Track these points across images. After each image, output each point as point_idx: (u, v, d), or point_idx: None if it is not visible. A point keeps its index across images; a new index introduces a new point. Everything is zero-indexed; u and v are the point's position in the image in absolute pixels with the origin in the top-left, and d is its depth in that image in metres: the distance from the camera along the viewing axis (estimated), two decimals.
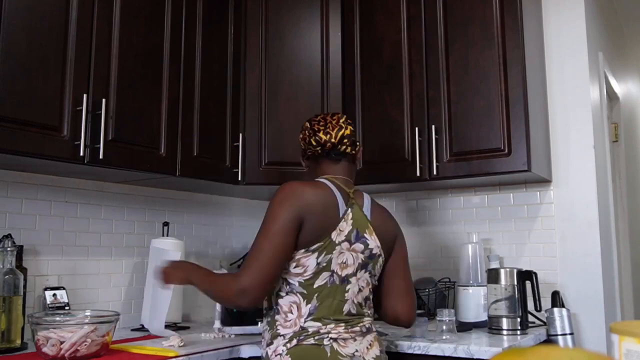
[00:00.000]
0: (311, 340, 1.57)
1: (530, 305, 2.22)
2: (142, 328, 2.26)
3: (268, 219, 1.61)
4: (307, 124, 1.82)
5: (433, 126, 2.42)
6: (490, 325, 2.18)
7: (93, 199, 2.32)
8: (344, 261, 1.65)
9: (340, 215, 1.66)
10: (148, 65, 2.14)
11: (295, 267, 1.61)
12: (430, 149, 2.42)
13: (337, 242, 1.64)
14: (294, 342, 1.58)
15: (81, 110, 1.86)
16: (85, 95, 1.88)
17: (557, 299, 2.34)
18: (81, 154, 1.85)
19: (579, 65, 2.57)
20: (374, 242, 1.72)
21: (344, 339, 1.61)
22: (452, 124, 2.40)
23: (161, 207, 2.60)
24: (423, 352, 1.93)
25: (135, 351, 1.75)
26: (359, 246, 1.69)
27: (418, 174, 2.43)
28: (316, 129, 1.77)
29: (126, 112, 2.04)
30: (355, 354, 1.61)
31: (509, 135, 2.27)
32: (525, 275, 2.21)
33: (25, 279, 1.87)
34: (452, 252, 2.71)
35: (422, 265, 2.79)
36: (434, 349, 1.92)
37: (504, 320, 2.15)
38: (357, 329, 1.66)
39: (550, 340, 2.26)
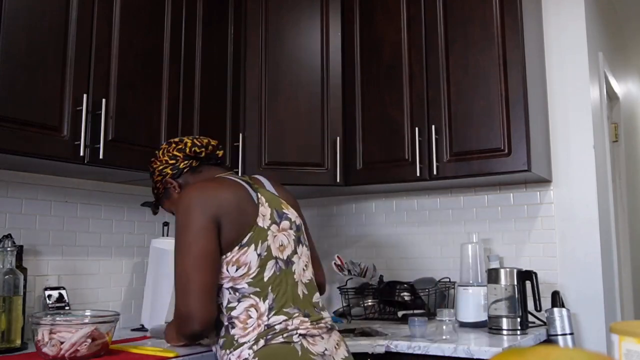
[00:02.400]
0: (280, 339, 1.46)
1: (530, 305, 2.22)
2: (142, 328, 2.25)
3: (179, 231, 1.48)
4: (164, 146, 1.73)
5: (433, 126, 2.42)
6: (490, 325, 2.18)
7: (93, 199, 2.32)
8: (280, 244, 1.57)
9: (256, 202, 1.57)
10: (148, 65, 2.14)
11: (237, 270, 1.50)
12: (430, 149, 2.42)
13: (265, 227, 1.55)
14: (261, 342, 1.46)
15: (81, 110, 1.86)
16: (85, 95, 1.88)
17: (557, 299, 2.34)
18: (81, 154, 1.85)
19: (579, 65, 2.57)
20: (292, 214, 1.65)
21: (312, 336, 1.51)
22: (452, 124, 2.40)
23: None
24: (423, 352, 1.94)
25: (135, 351, 1.75)
26: (285, 223, 1.61)
27: (418, 174, 2.43)
28: (185, 141, 1.70)
29: (126, 112, 2.04)
30: (325, 352, 1.51)
31: (509, 135, 2.28)
32: (525, 275, 2.21)
33: (25, 279, 1.87)
34: (452, 252, 2.71)
35: (422, 265, 2.79)
36: (434, 349, 1.92)
37: (504, 320, 2.15)
38: (322, 324, 1.57)
39: (550, 340, 2.26)
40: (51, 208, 2.18)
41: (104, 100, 1.94)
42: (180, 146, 1.70)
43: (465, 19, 2.42)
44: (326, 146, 2.62)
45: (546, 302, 2.37)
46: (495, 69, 2.33)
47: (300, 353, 1.46)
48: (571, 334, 2.26)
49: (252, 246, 1.52)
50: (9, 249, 1.78)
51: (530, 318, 2.31)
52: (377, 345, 2.02)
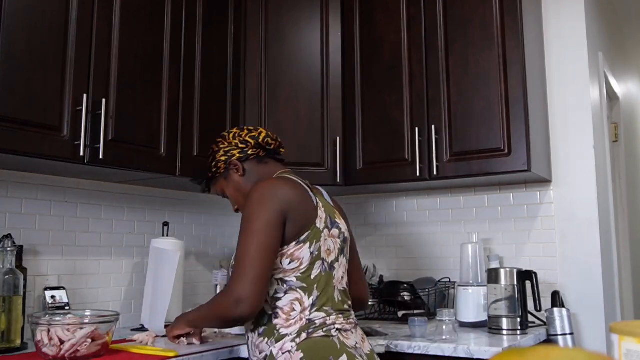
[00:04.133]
0: (320, 332, 1.55)
1: (530, 305, 2.22)
2: (142, 328, 2.25)
3: (249, 219, 1.57)
4: (237, 130, 1.84)
5: (433, 126, 2.42)
6: (490, 325, 2.18)
7: (93, 199, 2.32)
8: (328, 248, 1.66)
9: (315, 204, 1.66)
10: (148, 65, 2.14)
11: (290, 263, 1.58)
12: (430, 149, 2.42)
13: (321, 229, 1.64)
14: (303, 336, 1.54)
15: (81, 110, 1.86)
16: (85, 95, 1.88)
17: (557, 299, 2.34)
18: (81, 154, 1.85)
19: (579, 65, 2.57)
20: (343, 225, 1.76)
21: (346, 331, 1.61)
22: (452, 124, 2.40)
23: (161, 207, 2.60)
24: (423, 352, 1.94)
25: (135, 351, 1.75)
26: (335, 231, 1.70)
27: (418, 174, 2.43)
28: (251, 129, 1.83)
29: (126, 112, 2.04)
30: (357, 345, 1.61)
31: (509, 135, 2.28)
32: (525, 275, 2.21)
33: (25, 279, 1.87)
34: (452, 252, 2.71)
35: (422, 265, 2.79)
36: (434, 349, 1.92)
37: (504, 320, 2.15)
38: (351, 320, 1.67)
39: (550, 340, 2.26)
40: (51, 208, 2.18)
41: (104, 100, 1.94)
42: (254, 134, 1.81)
43: (465, 19, 2.42)
44: (326, 146, 2.62)
45: (546, 302, 2.37)
46: (495, 69, 2.33)
47: (339, 346, 1.55)
48: (571, 334, 2.26)
49: (308, 244, 1.60)
50: (9, 249, 1.78)
51: (530, 318, 2.31)
52: (377, 345, 2.01)
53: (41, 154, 1.77)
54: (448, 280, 2.63)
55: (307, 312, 1.58)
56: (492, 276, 2.22)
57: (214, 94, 2.43)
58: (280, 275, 1.59)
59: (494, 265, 2.39)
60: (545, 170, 2.47)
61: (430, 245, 2.80)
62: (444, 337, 1.98)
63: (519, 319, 2.15)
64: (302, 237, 1.60)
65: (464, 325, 2.31)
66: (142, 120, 2.10)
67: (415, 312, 2.46)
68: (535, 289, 2.21)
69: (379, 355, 2.00)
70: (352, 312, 1.72)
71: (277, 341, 1.55)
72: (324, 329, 1.56)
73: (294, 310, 1.58)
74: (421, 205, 2.84)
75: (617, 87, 3.57)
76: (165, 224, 2.56)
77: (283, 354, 1.52)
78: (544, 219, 2.54)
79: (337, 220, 1.73)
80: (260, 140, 1.80)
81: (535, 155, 2.31)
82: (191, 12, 2.35)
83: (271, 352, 1.55)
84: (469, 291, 2.33)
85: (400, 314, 2.50)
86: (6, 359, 1.66)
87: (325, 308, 1.60)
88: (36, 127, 1.75)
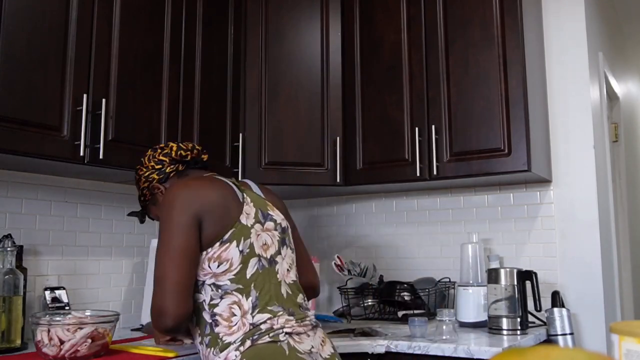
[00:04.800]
0: (266, 338, 1.44)
1: (530, 305, 2.22)
2: (142, 328, 2.25)
3: (161, 226, 1.49)
4: (151, 152, 1.73)
5: (433, 126, 2.42)
6: (490, 325, 2.18)
7: (93, 199, 2.33)
8: (264, 242, 1.56)
9: (241, 200, 1.57)
10: (148, 65, 2.14)
11: (219, 266, 1.48)
12: (430, 149, 2.42)
13: (249, 225, 1.54)
14: (248, 343, 1.43)
15: (81, 110, 1.86)
16: (85, 95, 1.88)
17: (557, 299, 2.34)
18: (81, 154, 1.85)
19: (579, 65, 2.57)
20: (279, 215, 1.65)
21: (299, 334, 1.49)
22: (452, 124, 2.40)
23: None
24: (423, 352, 1.94)
25: (135, 351, 1.75)
26: (270, 224, 1.61)
27: (418, 174, 2.43)
28: (171, 146, 1.72)
29: (126, 112, 2.04)
30: (312, 350, 1.50)
31: (509, 135, 2.28)
32: (525, 275, 2.21)
33: (25, 279, 1.87)
34: (452, 252, 2.71)
35: (422, 265, 2.79)
36: (434, 349, 1.92)
37: (504, 320, 2.15)
38: (307, 322, 1.55)
39: (550, 340, 2.26)
40: (51, 208, 2.18)
41: (104, 100, 1.94)
42: (166, 150, 1.70)
43: (465, 19, 2.42)
44: (326, 146, 2.62)
45: (546, 302, 2.37)
46: (495, 69, 2.33)
47: (287, 352, 1.44)
48: (571, 334, 2.26)
49: (234, 242, 1.50)
50: (9, 249, 1.78)
51: (530, 318, 2.31)
52: (377, 345, 2.02)
53: (41, 154, 1.77)
54: (448, 280, 2.63)
55: (248, 316, 1.46)
56: (492, 276, 2.22)
57: (214, 94, 2.43)
58: (212, 280, 1.49)
59: (494, 265, 2.39)
60: (545, 170, 2.47)
61: (430, 245, 2.80)
62: (444, 337, 1.98)
63: (519, 319, 2.15)
64: (226, 237, 1.50)
65: (464, 325, 2.31)
66: (142, 120, 2.10)
67: (415, 312, 2.47)
68: (535, 289, 2.21)
69: (379, 355, 2.01)
70: (310, 312, 1.61)
71: (221, 350, 1.45)
72: (271, 334, 1.44)
73: (234, 315, 1.47)
74: (421, 205, 2.84)
75: (617, 87, 3.57)
76: None
77: None
78: (544, 219, 2.54)
79: (270, 212, 1.63)
80: (173, 155, 1.69)
81: (535, 155, 2.31)
82: (191, 12, 2.35)
83: None
84: (469, 291, 2.33)
85: (400, 314, 2.50)
86: (6, 359, 1.66)
87: (269, 308, 1.49)
88: (36, 127, 1.75)
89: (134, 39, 2.09)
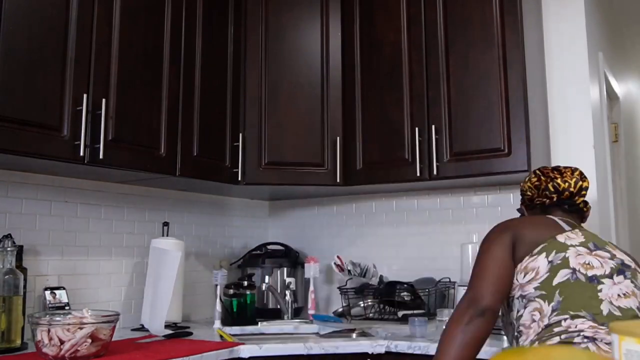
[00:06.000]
0: (556, 339, 1.37)
1: None
2: (142, 328, 2.26)
3: (481, 247, 1.60)
4: (538, 171, 1.77)
5: (433, 126, 2.42)
6: None
7: (93, 199, 2.32)
8: (586, 262, 1.49)
9: (565, 228, 1.59)
10: (148, 66, 2.14)
11: (525, 276, 1.51)
12: (430, 149, 2.42)
13: (568, 244, 1.53)
14: (535, 344, 1.40)
15: (81, 110, 1.86)
16: (85, 95, 1.88)
17: None
18: (81, 154, 1.85)
19: (579, 65, 2.57)
20: (620, 254, 1.56)
21: (608, 343, 1.31)
22: (452, 124, 2.40)
23: (161, 207, 2.60)
24: (423, 352, 1.94)
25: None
26: (604, 253, 1.53)
27: (418, 174, 2.43)
28: (552, 176, 1.72)
29: (126, 112, 2.04)
30: None
31: (509, 135, 2.28)
32: None
33: (25, 279, 1.87)
34: (452, 252, 2.71)
35: (422, 265, 2.79)
36: (434, 349, 1.91)
37: None
38: None
39: None
40: (51, 208, 2.18)
41: (104, 100, 1.94)
42: (535, 182, 1.76)
43: (465, 19, 2.42)
44: (326, 146, 2.62)
45: None
46: (495, 69, 2.33)
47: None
48: None
49: (543, 254, 1.52)
50: (9, 249, 1.78)
51: None
52: (377, 345, 2.02)
53: (41, 154, 1.77)
54: (448, 280, 2.63)
55: (545, 319, 1.45)
56: None
57: (214, 94, 2.43)
58: (519, 292, 1.53)
59: None
60: None
61: (430, 245, 2.80)
62: None
63: None
64: (535, 251, 1.54)
65: None
66: (142, 120, 2.10)
67: (415, 312, 2.46)
68: None
69: (379, 355, 2.01)
70: None
71: None
72: (563, 336, 1.38)
73: (533, 321, 1.47)
74: (421, 205, 2.84)
75: (617, 87, 3.57)
76: (165, 224, 2.56)
77: None
78: None
79: (609, 249, 1.57)
80: (542, 188, 1.75)
81: (535, 155, 2.31)
82: (191, 12, 2.35)
83: None
84: None
85: (400, 314, 2.50)
86: (6, 359, 1.66)
87: (571, 312, 1.43)
88: (36, 127, 1.75)
89: (134, 39, 2.09)
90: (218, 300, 2.39)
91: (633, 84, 4.46)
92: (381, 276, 2.76)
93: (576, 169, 1.77)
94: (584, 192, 1.70)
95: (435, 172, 2.40)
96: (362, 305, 2.63)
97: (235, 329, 2.40)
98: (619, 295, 1.45)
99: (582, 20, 2.59)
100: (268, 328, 2.47)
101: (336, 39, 2.71)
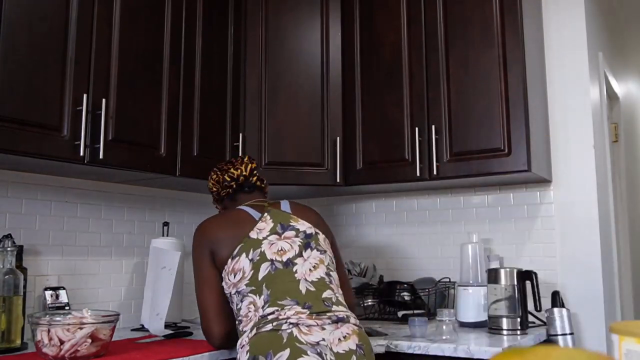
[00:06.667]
0: (269, 327, 1.58)
1: (530, 305, 2.22)
2: (142, 328, 2.25)
3: (193, 264, 1.80)
4: (215, 168, 1.99)
5: (433, 126, 2.42)
6: (490, 325, 2.18)
7: (93, 199, 2.32)
8: (279, 249, 1.73)
9: (257, 220, 1.79)
10: (148, 66, 2.14)
11: (235, 276, 1.71)
12: (430, 149, 2.42)
13: (260, 238, 1.74)
14: (254, 332, 1.60)
15: (81, 110, 1.86)
16: (85, 95, 1.88)
17: (557, 299, 2.34)
18: (81, 154, 1.85)
19: (579, 65, 2.57)
20: (302, 225, 1.81)
21: (308, 326, 1.57)
22: (452, 124, 2.40)
23: (161, 207, 2.60)
24: (423, 352, 1.94)
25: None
26: (290, 233, 1.78)
27: (418, 174, 2.43)
28: (226, 168, 1.95)
29: (126, 112, 2.04)
30: (321, 342, 1.54)
31: (509, 136, 2.28)
32: (525, 275, 2.21)
33: (25, 279, 1.87)
34: (452, 252, 2.71)
35: (422, 265, 2.79)
36: (434, 349, 1.92)
37: (504, 320, 2.15)
38: (325, 317, 1.60)
39: (550, 340, 2.26)
40: (51, 208, 2.18)
41: (104, 100, 1.94)
42: (215, 177, 1.97)
43: (465, 19, 2.42)
44: (326, 146, 2.62)
45: (546, 302, 2.36)
46: (495, 69, 2.33)
47: (285, 340, 1.55)
48: (571, 334, 2.26)
49: (243, 254, 1.72)
50: (9, 249, 1.78)
51: (530, 318, 2.31)
52: (377, 345, 2.01)
53: (41, 154, 1.77)
54: (448, 280, 2.63)
55: (260, 310, 1.65)
56: (492, 276, 2.22)
57: (214, 94, 2.43)
58: (234, 289, 1.71)
59: (494, 265, 2.39)
60: (545, 170, 2.47)
61: (430, 245, 2.80)
62: (444, 337, 1.98)
63: (519, 319, 2.15)
64: (235, 253, 1.73)
65: (464, 325, 2.31)
66: (142, 120, 2.10)
67: (415, 312, 2.46)
68: (535, 289, 2.21)
69: (379, 355, 2.00)
70: (337, 309, 1.65)
71: (239, 339, 1.67)
72: (274, 324, 1.59)
73: (249, 312, 1.67)
74: (421, 205, 2.84)
75: (617, 87, 3.57)
76: (165, 224, 2.56)
77: (240, 348, 1.62)
78: (544, 219, 2.54)
79: (292, 223, 1.80)
80: (221, 182, 1.97)
81: (535, 155, 2.31)
82: (191, 12, 2.35)
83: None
84: (469, 291, 2.33)
85: (400, 314, 2.50)
86: (6, 359, 1.66)
87: (280, 302, 1.64)
88: (36, 127, 1.75)
89: (134, 39, 2.09)
90: None
91: (633, 84, 4.46)
92: (381, 276, 2.76)
93: (245, 155, 2.10)
94: (255, 172, 1.96)
95: (435, 172, 2.40)
96: (362, 305, 2.63)
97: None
98: (310, 270, 1.72)
99: (582, 21, 2.59)
100: None
101: (336, 39, 2.71)
